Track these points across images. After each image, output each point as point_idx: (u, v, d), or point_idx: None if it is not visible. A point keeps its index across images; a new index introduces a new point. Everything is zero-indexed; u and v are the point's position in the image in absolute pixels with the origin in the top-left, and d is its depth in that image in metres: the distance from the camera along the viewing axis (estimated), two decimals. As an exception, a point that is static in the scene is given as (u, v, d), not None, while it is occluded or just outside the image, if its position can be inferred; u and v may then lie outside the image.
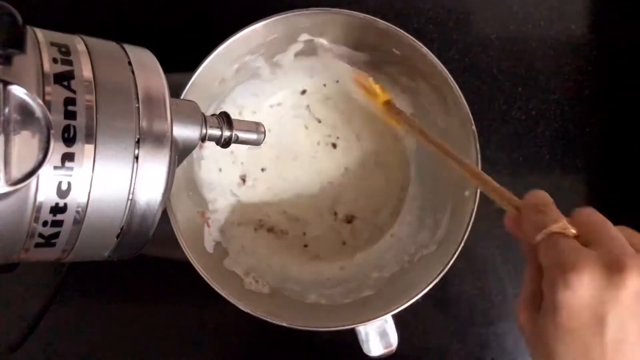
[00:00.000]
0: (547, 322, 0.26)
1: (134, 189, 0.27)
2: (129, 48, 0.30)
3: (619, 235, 0.27)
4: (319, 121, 0.48)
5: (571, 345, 0.26)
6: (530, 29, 0.52)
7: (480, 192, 0.40)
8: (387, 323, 0.41)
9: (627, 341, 0.25)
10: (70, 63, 0.26)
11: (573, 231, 0.27)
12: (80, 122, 0.25)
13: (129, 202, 0.27)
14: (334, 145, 0.48)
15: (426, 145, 0.40)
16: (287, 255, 0.47)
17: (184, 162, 0.38)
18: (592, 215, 0.28)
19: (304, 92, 0.48)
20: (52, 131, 0.23)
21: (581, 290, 0.25)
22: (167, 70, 0.30)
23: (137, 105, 0.27)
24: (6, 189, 0.22)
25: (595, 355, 0.25)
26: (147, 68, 0.29)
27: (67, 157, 0.25)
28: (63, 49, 0.26)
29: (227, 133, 0.33)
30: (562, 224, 0.27)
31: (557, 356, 0.26)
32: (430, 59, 0.41)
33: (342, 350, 0.49)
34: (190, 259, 0.39)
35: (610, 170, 0.52)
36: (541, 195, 0.29)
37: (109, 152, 0.26)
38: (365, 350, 0.41)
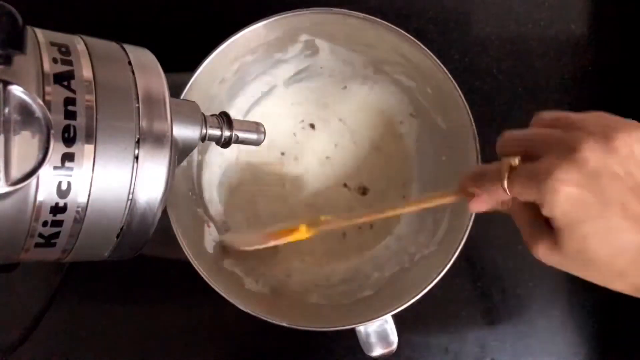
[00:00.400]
0: (562, 236, 0.27)
1: (134, 189, 0.27)
2: (129, 48, 0.30)
3: (555, 133, 0.29)
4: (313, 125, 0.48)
5: (592, 229, 0.27)
6: (530, 29, 0.52)
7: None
8: (387, 323, 0.41)
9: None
10: (70, 63, 0.26)
11: (517, 159, 0.29)
12: (80, 122, 0.25)
13: (129, 202, 0.27)
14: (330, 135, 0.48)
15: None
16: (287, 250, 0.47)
17: (184, 162, 0.38)
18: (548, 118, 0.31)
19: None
20: (52, 131, 0.23)
21: (565, 185, 0.26)
22: (167, 70, 0.30)
23: (137, 105, 0.27)
24: (6, 189, 0.22)
25: (622, 228, 0.27)
26: (147, 68, 0.29)
27: (67, 157, 0.25)
28: (63, 49, 0.26)
29: (227, 133, 0.33)
30: (508, 163, 0.29)
31: (589, 243, 0.27)
32: (430, 59, 0.41)
33: (342, 350, 0.49)
34: (190, 259, 0.39)
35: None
36: (468, 170, 0.33)
37: (109, 152, 0.26)
38: (365, 350, 0.41)
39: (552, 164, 0.27)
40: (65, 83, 0.25)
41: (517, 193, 0.29)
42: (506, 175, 0.29)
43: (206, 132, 0.32)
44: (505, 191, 0.29)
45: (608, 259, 0.27)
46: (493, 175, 0.30)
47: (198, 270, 0.38)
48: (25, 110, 0.23)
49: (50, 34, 0.27)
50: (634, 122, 0.28)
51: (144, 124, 0.27)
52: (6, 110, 0.22)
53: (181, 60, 0.37)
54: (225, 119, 0.33)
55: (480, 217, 0.40)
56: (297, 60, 0.46)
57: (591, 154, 0.26)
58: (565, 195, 0.26)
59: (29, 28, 0.26)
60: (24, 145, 0.23)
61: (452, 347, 0.50)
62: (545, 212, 0.28)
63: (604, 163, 0.26)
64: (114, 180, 0.26)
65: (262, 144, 0.36)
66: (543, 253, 0.29)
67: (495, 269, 0.51)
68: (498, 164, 0.30)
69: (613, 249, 0.27)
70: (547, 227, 0.29)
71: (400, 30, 0.40)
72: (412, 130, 0.48)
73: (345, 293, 0.45)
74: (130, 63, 0.28)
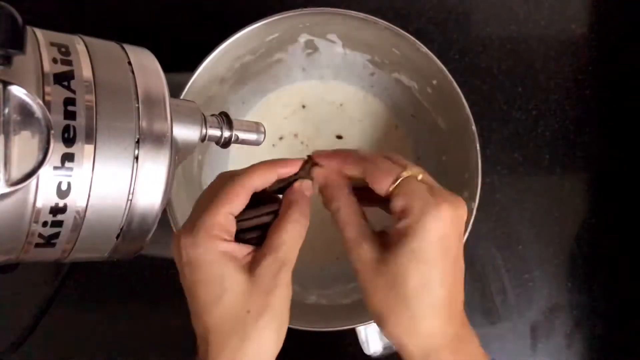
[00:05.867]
0: (406, 254, 0.30)
1: (134, 189, 0.27)
2: (128, 48, 0.29)
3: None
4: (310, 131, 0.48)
5: (438, 268, 0.31)
6: (530, 29, 0.52)
7: (480, 194, 0.40)
8: (387, 323, 0.41)
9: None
10: (70, 63, 0.26)
11: (421, 176, 0.31)
12: (80, 122, 0.25)
13: (129, 202, 0.27)
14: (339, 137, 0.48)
15: None
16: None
17: (184, 162, 0.38)
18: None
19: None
20: (52, 131, 0.23)
21: (447, 219, 0.30)
22: (167, 70, 0.30)
23: (137, 105, 0.27)
24: (6, 189, 0.22)
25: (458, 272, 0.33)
26: (147, 68, 0.29)
27: (67, 158, 0.25)
28: (63, 49, 0.26)
29: (227, 133, 0.33)
30: (415, 170, 0.31)
31: (411, 281, 0.30)
32: (430, 59, 0.41)
33: (342, 350, 0.49)
34: (190, 259, 0.38)
35: (611, 169, 0.52)
36: (388, 151, 0.34)
37: (108, 152, 0.26)
38: (365, 350, 0.41)
39: (439, 200, 0.30)
40: (65, 83, 0.25)
41: (400, 199, 0.30)
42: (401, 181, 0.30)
43: (206, 132, 0.32)
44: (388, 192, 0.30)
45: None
46: (389, 170, 0.30)
47: (198, 271, 0.38)
48: (25, 111, 0.23)
49: (50, 34, 0.27)
50: None
51: (143, 124, 0.27)
52: (6, 110, 0.22)
53: (181, 60, 0.37)
54: (225, 119, 0.33)
55: (480, 217, 0.40)
56: (297, 60, 0.46)
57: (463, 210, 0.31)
58: (443, 225, 0.30)
59: (28, 28, 0.26)
60: (24, 145, 0.23)
61: (452, 347, 0.50)
62: (417, 224, 0.29)
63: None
64: (114, 180, 0.26)
65: (262, 142, 0.36)
66: (365, 260, 0.31)
67: (495, 269, 0.51)
68: (404, 163, 0.31)
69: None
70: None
71: (400, 30, 0.40)
72: (412, 130, 0.48)
73: (345, 293, 0.45)
74: (130, 63, 0.28)
